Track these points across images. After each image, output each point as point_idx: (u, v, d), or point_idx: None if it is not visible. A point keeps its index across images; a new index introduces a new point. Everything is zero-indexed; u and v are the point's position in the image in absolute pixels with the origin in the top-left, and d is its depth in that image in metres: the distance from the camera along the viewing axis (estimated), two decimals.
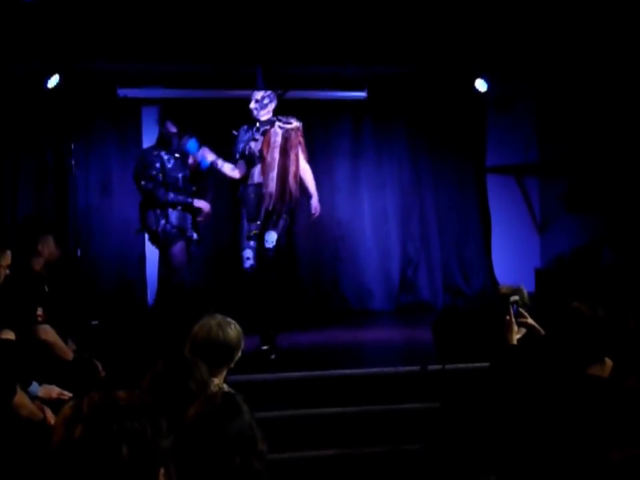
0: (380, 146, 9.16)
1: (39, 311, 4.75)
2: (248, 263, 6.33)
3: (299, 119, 6.67)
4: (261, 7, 7.17)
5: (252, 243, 6.39)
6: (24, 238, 5.33)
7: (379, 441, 5.27)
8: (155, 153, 6.66)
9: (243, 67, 7.89)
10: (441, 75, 8.64)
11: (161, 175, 6.59)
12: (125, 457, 1.37)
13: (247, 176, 6.51)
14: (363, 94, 8.76)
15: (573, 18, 7.25)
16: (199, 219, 6.76)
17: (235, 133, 6.64)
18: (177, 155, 6.70)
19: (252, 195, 6.43)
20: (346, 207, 9.11)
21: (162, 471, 1.43)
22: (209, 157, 6.54)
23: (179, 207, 6.62)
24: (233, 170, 6.55)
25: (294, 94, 8.55)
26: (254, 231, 6.35)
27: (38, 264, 5.11)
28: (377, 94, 8.80)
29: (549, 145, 9.08)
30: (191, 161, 6.74)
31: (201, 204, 6.78)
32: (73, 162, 7.08)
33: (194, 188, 6.84)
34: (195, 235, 6.71)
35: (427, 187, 9.23)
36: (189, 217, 6.70)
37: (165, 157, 6.64)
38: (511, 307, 3.80)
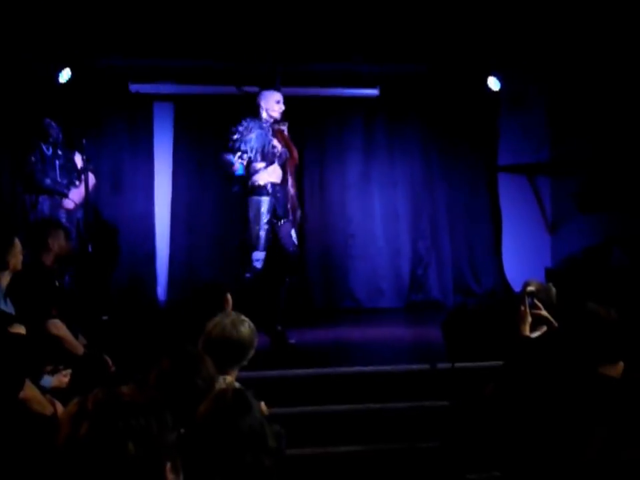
0: (392, 144, 9.15)
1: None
2: (258, 265, 6.39)
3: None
4: (275, 4, 7.17)
5: (265, 244, 6.42)
6: (34, 233, 5.34)
7: (386, 438, 5.26)
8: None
9: (256, 63, 7.90)
10: (454, 73, 8.62)
11: (40, 164, 6.91)
12: (131, 454, 1.37)
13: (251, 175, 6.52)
14: (375, 92, 8.75)
15: (586, 16, 7.22)
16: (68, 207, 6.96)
17: (240, 128, 6.60)
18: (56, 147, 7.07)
19: (279, 195, 6.50)
20: (357, 205, 9.10)
21: (168, 465, 1.43)
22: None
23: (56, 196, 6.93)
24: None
25: (306, 91, 8.56)
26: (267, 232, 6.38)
27: (48, 259, 5.12)
28: (390, 92, 8.80)
29: (561, 144, 9.04)
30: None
31: (75, 196, 6.99)
32: (85, 157, 7.09)
33: (76, 182, 7.09)
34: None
35: (438, 185, 9.21)
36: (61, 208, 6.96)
37: (44, 147, 6.99)
38: (526, 297, 3.78)
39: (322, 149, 9.07)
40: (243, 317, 3.42)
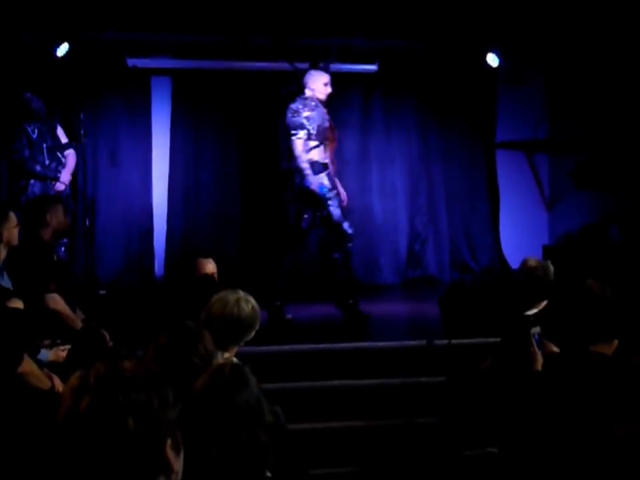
0: (389, 120, 9.12)
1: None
2: (350, 230, 6.53)
3: None
4: None
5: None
6: (32, 208, 5.34)
7: (383, 414, 5.30)
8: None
9: (253, 37, 7.86)
10: (452, 49, 8.58)
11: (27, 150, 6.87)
12: (131, 429, 1.38)
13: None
14: (373, 67, 8.71)
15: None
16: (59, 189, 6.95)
17: (299, 105, 6.62)
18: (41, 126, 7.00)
19: (331, 175, 6.63)
20: (354, 181, 9.07)
21: (169, 441, 1.44)
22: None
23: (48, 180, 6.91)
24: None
25: (304, 65, 8.51)
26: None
27: (47, 234, 5.13)
28: (388, 68, 8.75)
29: (559, 122, 9.02)
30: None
31: (65, 177, 6.99)
32: (82, 131, 7.07)
33: (63, 160, 7.07)
34: None
35: (435, 161, 9.19)
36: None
37: (29, 129, 6.92)
38: (532, 338, 3.75)
39: None
40: (249, 297, 3.41)
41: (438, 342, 5.81)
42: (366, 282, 8.95)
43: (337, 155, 9.01)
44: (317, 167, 6.51)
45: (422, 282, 9.04)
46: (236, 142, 8.80)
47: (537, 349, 3.78)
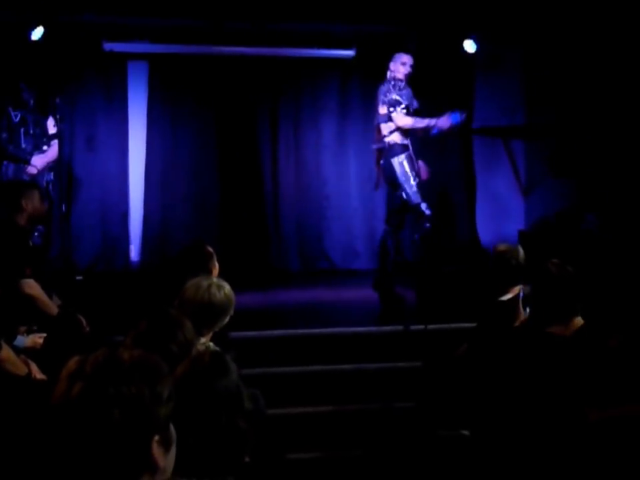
0: (367, 105, 9.06)
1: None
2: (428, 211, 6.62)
3: None
4: None
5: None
6: (7, 193, 5.30)
7: (360, 399, 5.33)
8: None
9: (233, 22, 7.82)
10: (430, 34, 8.58)
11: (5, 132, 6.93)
12: (117, 421, 1.38)
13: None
14: (351, 52, 8.70)
15: None
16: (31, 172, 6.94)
17: (387, 89, 6.83)
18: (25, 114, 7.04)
19: (411, 156, 6.80)
20: (332, 166, 9.09)
21: (157, 437, 1.44)
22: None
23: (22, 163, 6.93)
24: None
25: (282, 51, 8.50)
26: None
27: (22, 219, 5.09)
28: (366, 53, 8.74)
29: (536, 108, 9.06)
30: None
31: (37, 162, 6.94)
32: (58, 116, 7.01)
33: (45, 148, 7.06)
34: None
35: (413, 147, 9.19)
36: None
37: (13, 114, 6.97)
38: (519, 295, 3.82)
39: (297, 110, 9.03)
40: (223, 283, 3.42)
41: (414, 327, 5.85)
42: (343, 267, 8.99)
43: (314, 140, 9.07)
44: (397, 149, 6.72)
45: (399, 267, 9.05)
46: (214, 127, 8.78)
47: (520, 306, 3.86)
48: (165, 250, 8.51)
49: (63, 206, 7.24)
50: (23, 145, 6.93)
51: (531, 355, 3.22)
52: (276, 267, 8.77)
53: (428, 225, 6.63)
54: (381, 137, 6.79)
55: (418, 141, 9.13)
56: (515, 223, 8.94)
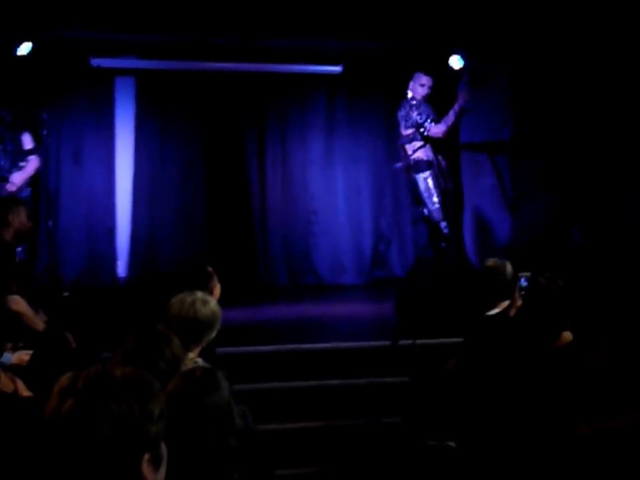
0: (355, 121, 9.15)
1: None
2: (446, 230, 6.93)
3: None
4: None
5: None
6: None
7: (348, 414, 5.32)
8: None
9: (221, 38, 7.83)
10: (417, 49, 8.61)
11: None
12: (106, 438, 1.37)
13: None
14: (338, 68, 8.74)
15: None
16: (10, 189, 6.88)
17: (410, 103, 7.12)
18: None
19: (437, 172, 7.08)
20: (319, 181, 9.11)
21: (147, 456, 1.43)
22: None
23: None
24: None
25: (269, 67, 8.52)
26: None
27: (8, 234, 5.07)
28: (353, 69, 8.78)
29: (523, 123, 9.09)
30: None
31: (16, 178, 6.89)
32: (45, 132, 7.00)
33: (22, 164, 6.95)
34: None
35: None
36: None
37: None
38: (518, 282, 3.86)
39: (284, 125, 9.05)
40: (208, 298, 3.41)
41: (402, 342, 5.84)
42: (331, 282, 8.99)
43: (301, 155, 9.08)
44: (422, 165, 6.98)
45: (386, 282, 9.07)
46: (202, 142, 8.79)
47: (517, 294, 3.87)
48: (152, 266, 8.49)
49: (49, 221, 7.23)
50: (1, 162, 6.89)
51: (520, 368, 3.22)
52: (263, 282, 8.76)
53: (444, 244, 6.76)
54: (407, 156, 7.04)
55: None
56: (502, 238, 8.97)
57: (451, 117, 7.11)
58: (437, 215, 6.82)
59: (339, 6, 7.45)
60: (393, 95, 9.03)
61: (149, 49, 8.26)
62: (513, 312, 3.96)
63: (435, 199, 6.86)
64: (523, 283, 4.00)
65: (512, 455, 3.09)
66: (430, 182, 6.93)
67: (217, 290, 4.30)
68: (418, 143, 7.01)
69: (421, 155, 7.01)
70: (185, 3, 7.32)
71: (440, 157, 7.18)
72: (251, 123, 8.91)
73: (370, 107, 9.14)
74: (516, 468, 3.05)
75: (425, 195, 6.89)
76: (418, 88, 7.23)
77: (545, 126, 8.59)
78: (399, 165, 7.19)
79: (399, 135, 7.26)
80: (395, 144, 9.17)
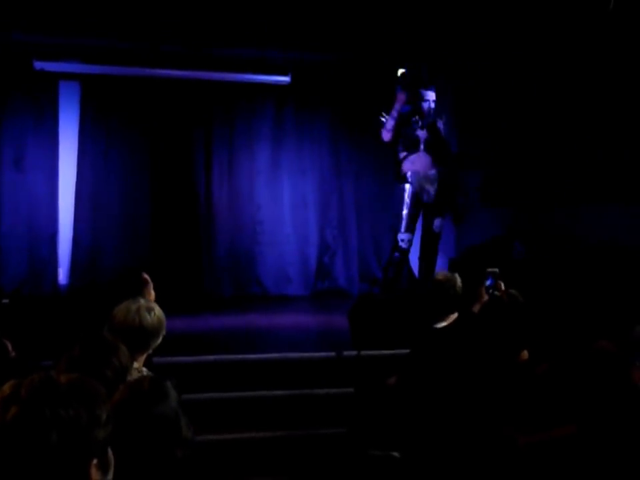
0: (302, 132, 9.16)
1: None
2: (403, 245, 7.31)
3: None
4: None
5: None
6: None
7: (293, 424, 5.30)
8: None
9: (167, 45, 7.78)
10: (364, 63, 8.67)
11: None
12: (54, 444, 1.35)
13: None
14: (286, 79, 8.75)
15: (494, 17, 7.38)
16: None
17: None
18: None
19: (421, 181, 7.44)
20: (266, 192, 9.09)
21: (94, 461, 1.42)
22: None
23: None
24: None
25: (216, 75, 8.49)
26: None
27: None
28: (301, 80, 8.80)
29: (466, 138, 9.21)
30: None
31: None
32: None
33: None
34: None
35: (347, 175, 9.28)
36: None
37: None
38: (485, 278, 3.87)
39: (232, 135, 9.02)
40: (152, 305, 3.36)
41: (347, 353, 5.85)
42: (275, 293, 8.98)
43: (248, 165, 9.05)
44: (407, 177, 7.47)
45: (331, 294, 9.10)
46: (148, 150, 8.70)
47: (483, 290, 3.90)
48: (94, 274, 8.37)
49: None
50: None
51: (462, 381, 3.25)
52: (208, 291, 8.70)
53: (397, 254, 6.95)
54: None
55: (351, 168, 9.25)
56: (447, 251, 9.05)
57: (390, 122, 7.44)
58: (399, 226, 7.36)
59: (286, 17, 7.47)
60: (339, 107, 9.12)
61: (95, 53, 8.17)
62: (477, 308, 3.98)
63: (404, 211, 7.39)
64: (489, 282, 4.03)
65: (454, 465, 3.11)
66: (406, 194, 7.46)
67: (152, 298, 4.23)
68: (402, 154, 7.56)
69: (406, 167, 7.53)
70: (131, 9, 7.25)
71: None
72: (198, 132, 8.86)
73: (317, 119, 9.17)
74: (457, 477, 3.08)
75: (401, 204, 7.46)
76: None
77: (488, 142, 8.73)
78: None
79: None
80: (341, 156, 9.26)
